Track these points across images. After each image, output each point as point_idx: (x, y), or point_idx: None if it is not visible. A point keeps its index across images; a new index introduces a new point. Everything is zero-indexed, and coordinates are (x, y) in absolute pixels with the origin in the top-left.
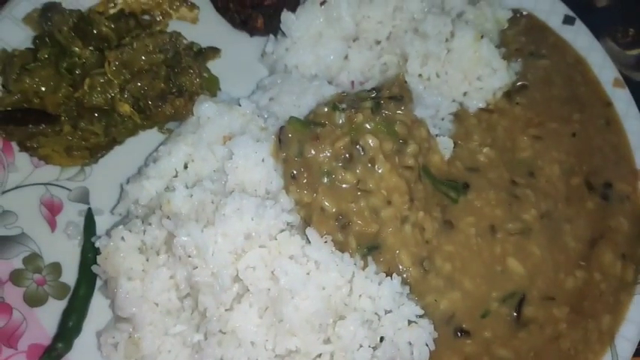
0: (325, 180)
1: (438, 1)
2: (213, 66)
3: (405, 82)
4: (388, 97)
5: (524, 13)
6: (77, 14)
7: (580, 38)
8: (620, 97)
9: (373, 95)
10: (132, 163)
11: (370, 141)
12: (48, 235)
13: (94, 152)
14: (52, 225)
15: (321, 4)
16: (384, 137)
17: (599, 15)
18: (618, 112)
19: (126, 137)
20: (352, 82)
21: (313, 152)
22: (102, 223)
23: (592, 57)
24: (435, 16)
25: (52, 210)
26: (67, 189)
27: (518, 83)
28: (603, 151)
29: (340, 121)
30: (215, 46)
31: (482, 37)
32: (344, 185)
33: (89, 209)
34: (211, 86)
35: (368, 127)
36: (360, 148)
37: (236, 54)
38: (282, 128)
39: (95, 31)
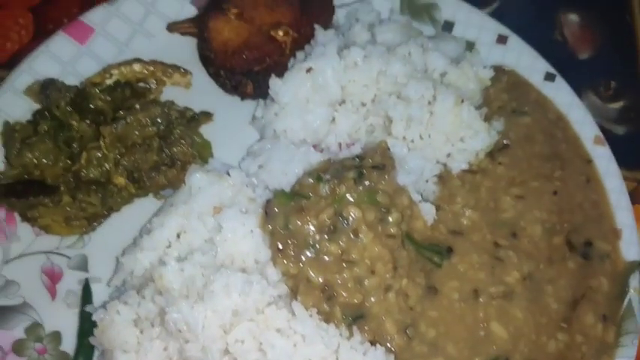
0: (310, 251)
1: (421, 62)
2: (206, 130)
3: (388, 149)
4: (371, 166)
5: (507, 69)
6: (74, 90)
7: (561, 95)
8: (600, 155)
9: (357, 164)
10: (128, 229)
11: (353, 212)
12: (49, 304)
13: (92, 221)
14: (53, 293)
15: (307, 71)
16: (367, 208)
17: (581, 67)
18: (599, 169)
19: (122, 206)
20: (340, 144)
21: (298, 224)
22: (100, 290)
23: (573, 114)
24: (417, 81)
25: (52, 278)
26: (67, 257)
27: (504, 141)
28: (584, 208)
29: (324, 192)
30: (208, 109)
31: (462, 101)
32: (329, 256)
33: (86, 280)
34: (204, 152)
35: (351, 198)
36: (344, 220)
37: (228, 117)
38: (268, 202)
39: (91, 106)
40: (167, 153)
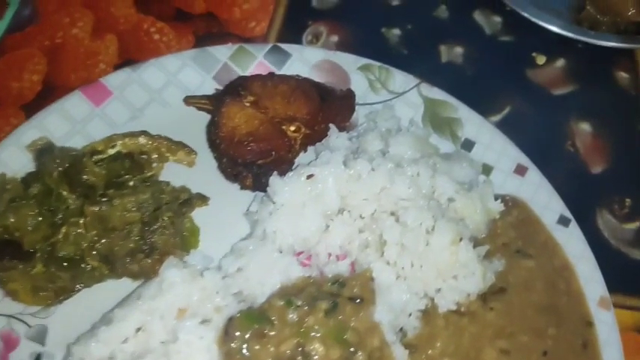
0: None
1: (429, 185)
2: (199, 214)
3: (372, 279)
4: (348, 297)
5: (519, 202)
6: (70, 160)
7: (572, 243)
8: (603, 320)
9: (334, 291)
10: (95, 308)
11: (316, 348)
12: None
13: (59, 294)
14: None
15: (308, 177)
16: (332, 344)
17: (594, 182)
18: (599, 335)
19: (93, 284)
20: (329, 255)
21: (256, 349)
22: None
23: (581, 266)
24: (418, 209)
25: (7, 345)
26: (28, 325)
27: (501, 285)
28: None
29: (292, 320)
30: (206, 191)
31: (461, 239)
32: None
33: (37, 356)
34: (190, 238)
35: (318, 332)
36: (305, 355)
37: (223, 205)
38: (230, 320)
39: (84, 177)
40: (146, 240)
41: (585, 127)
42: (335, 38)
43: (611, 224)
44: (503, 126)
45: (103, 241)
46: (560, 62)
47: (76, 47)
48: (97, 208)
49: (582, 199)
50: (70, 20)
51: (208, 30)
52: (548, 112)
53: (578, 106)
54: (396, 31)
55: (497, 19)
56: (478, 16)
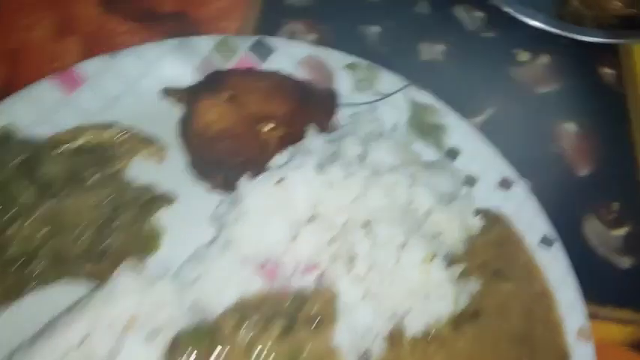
0: None
1: (405, 196)
2: (163, 214)
3: (336, 297)
4: (307, 316)
5: (501, 219)
6: (29, 151)
7: (554, 267)
8: (581, 353)
9: (295, 307)
10: (44, 311)
11: None
12: None
13: (7, 295)
14: None
15: (277, 182)
16: None
17: (580, 185)
18: None
19: (43, 286)
20: (295, 266)
21: None
22: None
23: (562, 293)
24: (390, 223)
25: None
26: None
27: (475, 309)
28: None
29: (243, 339)
30: (173, 190)
31: (432, 258)
32: None
33: None
34: (151, 241)
35: (270, 354)
36: None
37: (190, 206)
38: (175, 338)
39: (43, 171)
40: (100, 242)
41: (570, 126)
42: (312, 36)
43: (599, 230)
44: (486, 126)
45: (54, 240)
46: (544, 59)
47: (36, 50)
48: (49, 205)
49: (568, 204)
50: (29, 21)
51: (179, 30)
52: (532, 112)
53: (562, 104)
54: (375, 29)
55: (479, 14)
56: (459, 12)
